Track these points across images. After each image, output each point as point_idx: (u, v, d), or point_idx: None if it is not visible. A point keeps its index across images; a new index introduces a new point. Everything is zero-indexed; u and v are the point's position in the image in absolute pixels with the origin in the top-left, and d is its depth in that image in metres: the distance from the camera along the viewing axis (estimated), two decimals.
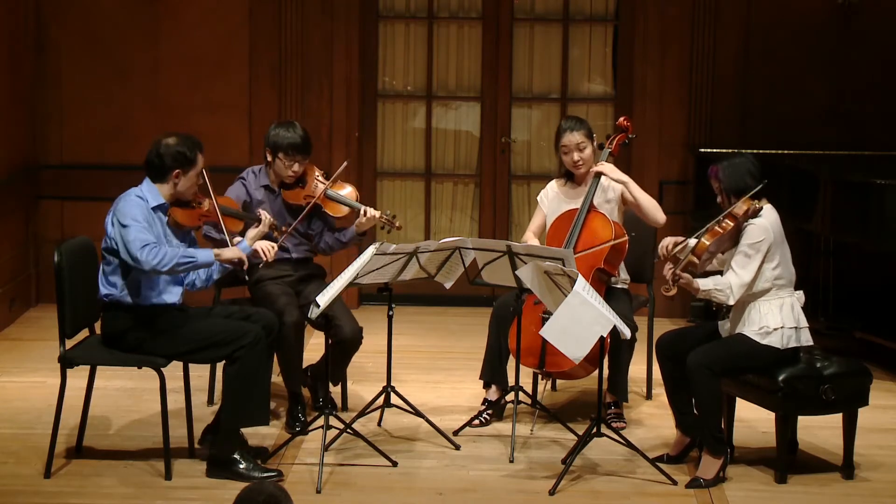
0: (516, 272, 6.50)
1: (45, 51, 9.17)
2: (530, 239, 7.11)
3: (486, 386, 7.09)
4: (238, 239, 6.46)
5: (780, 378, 6.20)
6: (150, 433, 6.74)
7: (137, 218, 6.10)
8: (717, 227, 6.20)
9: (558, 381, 7.58)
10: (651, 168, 9.22)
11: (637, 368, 7.14)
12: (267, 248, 6.45)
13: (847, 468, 6.38)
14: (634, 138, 7.42)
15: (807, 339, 6.30)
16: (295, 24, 9.16)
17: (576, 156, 7.04)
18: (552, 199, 7.17)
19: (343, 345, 6.84)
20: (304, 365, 7.06)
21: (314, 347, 7.71)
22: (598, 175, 7.00)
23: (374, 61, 9.43)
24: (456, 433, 6.82)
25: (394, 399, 6.83)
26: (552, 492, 6.11)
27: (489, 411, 7.01)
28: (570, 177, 7.16)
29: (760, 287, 6.23)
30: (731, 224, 6.20)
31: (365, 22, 9.33)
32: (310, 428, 6.55)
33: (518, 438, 6.68)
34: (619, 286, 7.07)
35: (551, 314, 6.09)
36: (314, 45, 9.19)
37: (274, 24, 9.17)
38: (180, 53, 9.19)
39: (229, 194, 6.95)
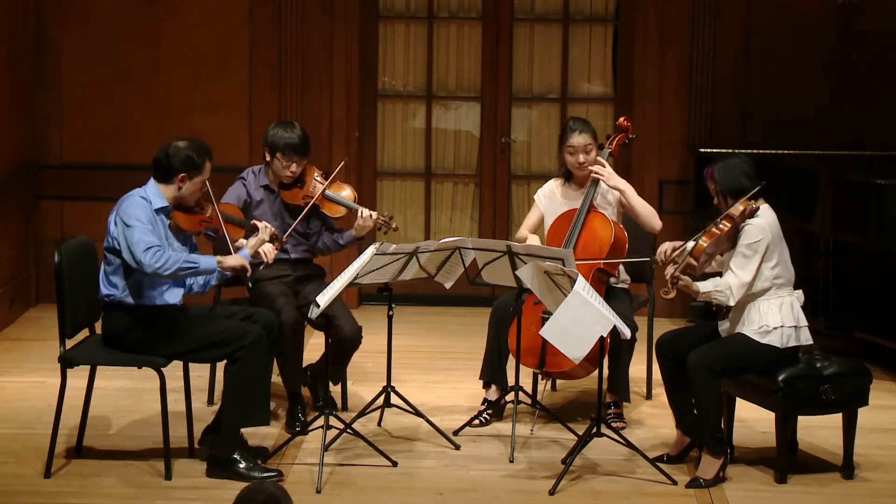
0: (516, 272, 6.50)
1: (45, 51, 9.17)
2: (525, 235, 7.11)
3: (486, 386, 7.09)
4: (242, 241, 6.46)
5: (780, 378, 6.20)
6: (150, 433, 6.74)
7: (141, 219, 6.11)
8: (714, 229, 6.20)
9: (558, 381, 7.58)
10: (651, 168, 9.22)
11: (637, 368, 7.14)
12: (267, 250, 6.46)
13: (847, 468, 6.38)
14: (634, 138, 7.42)
15: (806, 338, 6.30)
16: (295, 24, 9.16)
17: (581, 157, 7.04)
18: (550, 199, 7.17)
19: (343, 344, 6.84)
20: (304, 364, 7.06)
21: (314, 347, 7.71)
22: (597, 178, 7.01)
23: (374, 61, 9.43)
24: (456, 433, 6.82)
25: (394, 399, 6.83)
26: (552, 492, 6.11)
27: (489, 411, 7.01)
28: (569, 177, 7.16)
29: (760, 287, 6.23)
30: (729, 225, 6.19)
31: (365, 22, 9.33)
32: (310, 428, 6.55)
33: (518, 438, 6.68)
34: (619, 286, 7.07)
35: (551, 314, 6.09)
36: (314, 45, 9.19)
37: (274, 24, 9.17)
38: (180, 53, 9.19)
39: (230, 194, 6.96)
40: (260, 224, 6.54)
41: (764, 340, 6.21)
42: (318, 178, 7.05)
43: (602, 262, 6.85)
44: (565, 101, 9.47)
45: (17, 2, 8.93)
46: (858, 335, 8.30)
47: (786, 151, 8.67)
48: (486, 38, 9.42)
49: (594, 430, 6.30)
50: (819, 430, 6.79)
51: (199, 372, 7.01)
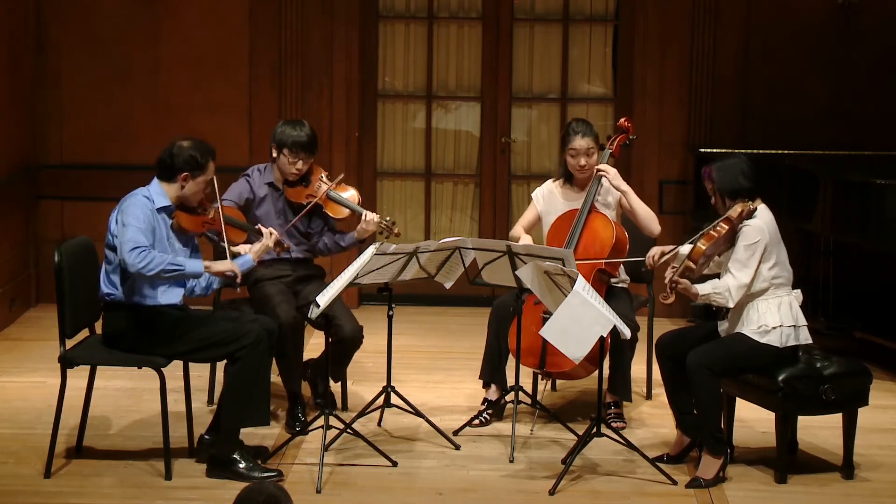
0: (516, 272, 6.50)
1: (45, 51, 9.17)
2: (520, 233, 7.10)
3: (486, 386, 7.09)
4: (242, 247, 6.46)
5: (780, 378, 6.20)
6: (150, 433, 6.74)
7: (138, 218, 6.11)
8: (712, 231, 6.19)
9: (558, 381, 7.58)
10: (651, 168, 9.22)
11: (637, 368, 7.14)
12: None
13: (847, 468, 6.38)
14: (635, 139, 7.42)
15: (805, 338, 6.30)
16: (295, 24, 9.16)
17: (583, 160, 7.03)
18: (549, 199, 7.16)
19: (343, 344, 6.84)
20: (305, 359, 7.06)
21: (314, 347, 7.71)
22: (600, 177, 6.99)
23: (374, 61, 9.43)
24: (456, 433, 6.82)
25: (394, 399, 6.83)
26: (552, 492, 6.11)
27: (489, 411, 7.01)
28: (569, 178, 7.15)
29: (758, 287, 6.23)
30: (727, 227, 6.19)
31: (365, 22, 9.33)
32: (310, 428, 6.55)
33: (518, 438, 6.68)
34: (618, 285, 7.07)
35: (552, 314, 6.09)
36: (314, 45, 9.19)
37: (274, 24, 9.17)
38: (180, 53, 9.19)
39: (232, 190, 6.97)
40: (265, 230, 6.54)
41: (763, 340, 6.21)
42: (324, 179, 7.06)
43: (599, 261, 6.84)
44: (565, 101, 9.47)
45: (17, 2, 8.94)
46: (858, 335, 8.30)
47: (786, 151, 8.67)
48: (486, 38, 9.42)
49: (594, 430, 6.30)
50: (819, 430, 6.79)
51: (199, 372, 7.01)
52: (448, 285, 6.80)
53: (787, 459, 6.34)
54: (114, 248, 6.16)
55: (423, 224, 9.56)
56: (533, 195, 7.24)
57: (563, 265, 6.18)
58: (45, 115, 9.22)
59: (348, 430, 6.48)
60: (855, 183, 7.81)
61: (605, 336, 6.13)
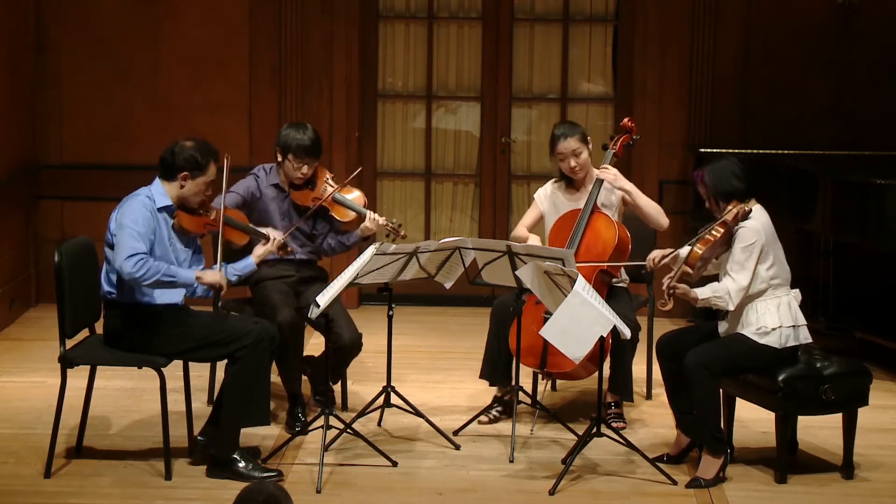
0: (516, 272, 6.50)
1: (45, 51, 9.17)
2: (525, 234, 7.10)
3: (494, 384, 7.07)
4: (262, 247, 6.47)
5: (780, 378, 6.20)
6: (150, 433, 6.74)
7: (137, 220, 6.10)
8: (708, 235, 6.19)
9: (558, 381, 7.58)
10: (651, 168, 9.22)
11: (637, 368, 7.14)
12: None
13: (847, 468, 6.38)
14: (639, 139, 7.40)
15: (805, 337, 6.30)
16: (295, 24, 9.16)
17: (572, 162, 7.03)
18: (551, 199, 7.17)
19: (342, 351, 6.82)
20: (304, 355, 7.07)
21: (313, 347, 7.71)
22: (602, 180, 6.99)
23: (374, 61, 9.43)
24: (456, 433, 6.81)
25: (394, 399, 6.83)
26: (552, 492, 6.11)
27: (499, 408, 6.99)
28: (568, 180, 7.15)
29: (756, 288, 6.22)
30: (723, 230, 6.19)
31: (365, 22, 9.33)
32: (310, 428, 6.55)
33: (518, 438, 6.68)
34: (619, 285, 7.07)
35: (552, 314, 6.09)
36: (314, 45, 9.19)
37: (274, 24, 9.17)
38: (180, 53, 9.19)
39: (240, 185, 6.97)
40: (269, 233, 6.53)
41: (762, 341, 6.21)
42: (330, 181, 7.06)
43: (601, 264, 6.84)
44: (565, 101, 9.47)
45: (17, 2, 8.94)
46: (858, 335, 8.30)
47: (786, 151, 8.67)
48: (486, 38, 9.42)
49: (594, 430, 6.30)
50: (819, 430, 6.79)
51: (199, 372, 7.01)
52: (448, 285, 6.80)
53: (787, 459, 6.34)
54: (113, 247, 6.16)
55: (423, 224, 9.56)
56: (535, 196, 7.24)
57: (563, 265, 6.18)
58: (45, 115, 9.22)
59: (348, 430, 6.48)
60: (855, 183, 7.81)
61: (605, 336, 6.13)
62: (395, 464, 6.40)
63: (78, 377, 6.42)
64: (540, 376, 7.20)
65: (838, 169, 8.18)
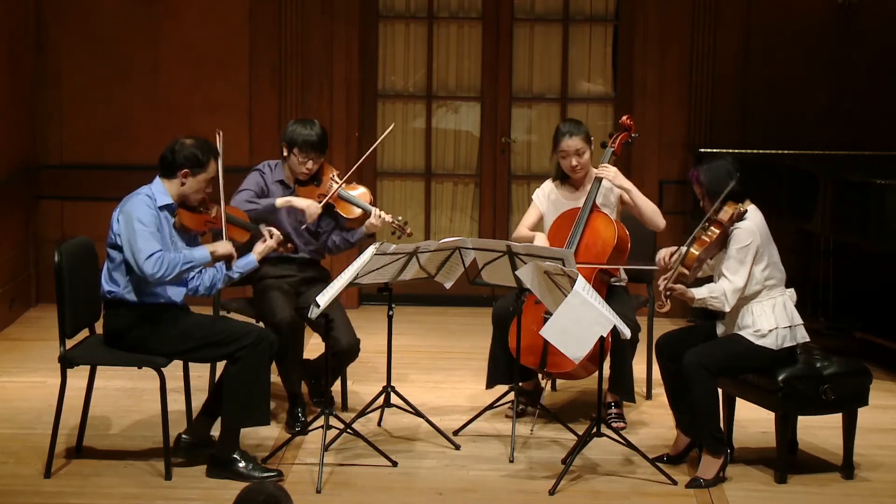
0: (516, 272, 6.50)
1: (45, 51, 9.17)
2: (529, 235, 7.08)
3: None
4: (263, 244, 6.47)
5: (780, 378, 6.20)
6: (150, 433, 6.74)
7: (144, 221, 6.11)
8: (704, 237, 6.18)
9: (558, 381, 7.58)
10: (651, 168, 9.22)
11: (637, 368, 7.14)
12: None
13: (847, 468, 6.38)
14: (637, 137, 7.40)
15: (802, 336, 6.30)
16: (295, 24, 9.16)
17: (574, 161, 7.03)
18: (550, 199, 7.16)
19: (339, 356, 6.80)
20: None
21: (314, 348, 7.71)
22: (601, 178, 6.98)
23: (374, 61, 9.43)
24: (456, 433, 6.81)
25: (394, 399, 6.83)
26: (552, 492, 6.11)
27: (521, 398, 6.94)
28: (565, 178, 7.15)
29: (752, 290, 6.22)
30: (718, 231, 6.18)
31: (365, 22, 9.33)
32: (310, 428, 6.55)
33: (518, 438, 6.68)
34: (618, 284, 7.07)
35: (552, 314, 6.09)
36: (314, 45, 9.19)
37: (274, 24, 9.17)
38: (180, 53, 9.19)
39: (249, 181, 6.97)
40: (265, 230, 6.53)
41: (759, 343, 6.21)
42: (335, 178, 7.05)
43: (609, 266, 6.83)
44: (565, 101, 9.47)
45: (17, 2, 8.94)
46: (858, 335, 8.30)
47: (786, 151, 8.67)
48: (486, 38, 9.42)
49: (594, 430, 6.30)
50: (819, 430, 6.79)
51: (199, 372, 7.01)
52: (448, 285, 6.79)
53: (787, 459, 6.34)
54: (116, 247, 6.17)
55: (423, 224, 9.56)
56: (534, 196, 7.23)
57: (563, 265, 6.18)
58: (45, 115, 9.22)
59: (348, 430, 6.48)
60: (855, 183, 7.81)
61: (605, 336, 6.13)
62: (395, 464, 6.40)
63: (78, 377, 6.42)
64: (540, 376, 7.20)
65: (838, 169, 8.18)
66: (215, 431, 6.33)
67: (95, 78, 9.21)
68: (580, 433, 6.54)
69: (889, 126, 9.02)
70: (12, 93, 8.86)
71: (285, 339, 6.65)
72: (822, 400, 6.25)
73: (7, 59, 8.78)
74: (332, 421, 6.41)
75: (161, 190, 6.26)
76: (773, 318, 6.21)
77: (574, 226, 6.94)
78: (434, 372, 7.96)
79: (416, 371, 7.88)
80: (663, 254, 6.40)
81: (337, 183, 7.02)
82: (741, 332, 6.24)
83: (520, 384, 6.94)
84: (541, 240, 7.01)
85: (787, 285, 6.35)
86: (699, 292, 6.18)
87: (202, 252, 6.22)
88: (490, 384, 7.06)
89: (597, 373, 6.44)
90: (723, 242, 6.23)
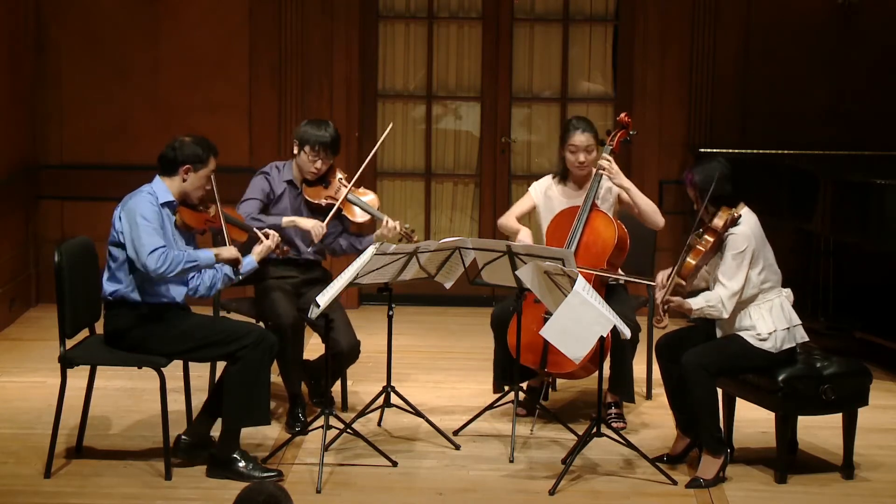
0: (516, 272, 6.50)
1: (45, 51, 9.17)
2: (515, 224, 7.06)
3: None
4: (261, 245, 6.48)
5: (780, 378, 6.20)
6: (150, 433, 6.74)
7: (148, 217, 6.12)
8: (699, 246, 6.17)
9: (558, 381, 7.57)
10: (651, 168, 9.22)
11: (637, 368, 7.14)
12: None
13: (847, 468, 6.38)
14: (635, 135, 7.39)
15: (801, 336, 6.30)
16: (295, 24, 9.16)
17: (582, 156, 7.02)
18: (547, 195, 7.13)
19: (338, 358, 6.80)
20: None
21: (313, 348, 7.71)
22: (601, 175, 6.98)
23: (374, 61, 9.43)
24: (456, 433, 6.81)
25: (394, 399, 6.83)
26: (552, 492, 6.11)
27: (523, 396, 6.95)
28: (565, 176, 7.14)
29: (748, 294, 6.21)
30: (713, 239, 6.17)
31: (365, 22, 9.34)
32: (310, 428, 6.55)
33: (518, 438, 6.67)
34: (616, 283, 7.06)
35: (552, 314, 6.09)
36: (314, 45, 9.19)
37: (274, 24, 9.17)
38: (180, 53, 9.19)
39: (254, 187, 6.97)
40: (270, 234, 6.53)
41: (758, 345, 6.21)
42: (343, 181, 7.06)
43: (608, 274, 6.83)
44: (565, 100, 9.47)
45: (17, 2, 8.94)
46: (858, 335, 8.30)
47: (786, 151, 8.67)
48: (486, 38, 9.42)
49: (594, 430, 6.30)
50: (819, 430, 6.79)
51: (199, 372, 7.01)
52: (448, 285, 6.79)
53: (787, 459, 6.34)
54: (118, 245, 6.17)
55: (423, 224, 9.56)
56: (531, 188, 7.20)
57: (563, 265, 6.18)
58: (45, 115, 9.22)
59: (348, 430, 6.48)
60: (855, 183, 7.81)
61: (605, 336, 6.13)
62: (395, 464, 6.40)
63: (78, 377, 6.42)
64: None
65: (838, 169, 8.18)
66: (215, 431, 6.34)
67: (95, 78, 9.21)
68: (580, 433, 6.54)
69: (889, 126, 9.02)
70: (12, 93, 8.86)
71: (288, 340, 6.65)
72: (822, 400, 6.25)
73: (7, 59, 8.78)
74: (332, 421, 6.40)
75: (162, 188, 6.27)
76: (770, 322, 6.21)
77: (573, 225, 6.93)
78: (434, 372, 7.96)
79: (416, 371, 7.89)
80: (662, 276, 6.37)
81: (346, 187, 7.03)
82: (740, 333, 6.24)
83: (526, 382, 6.95)
84: (525, 235, 7.01)
85: (787, 285, 6.35)
86: (696, 302, 6.17)
87: (207, 254, 6.24)
88: (497, 388, 7.06)
89: (597, 373, 6.44)
90: (718, 249, 6.22)
